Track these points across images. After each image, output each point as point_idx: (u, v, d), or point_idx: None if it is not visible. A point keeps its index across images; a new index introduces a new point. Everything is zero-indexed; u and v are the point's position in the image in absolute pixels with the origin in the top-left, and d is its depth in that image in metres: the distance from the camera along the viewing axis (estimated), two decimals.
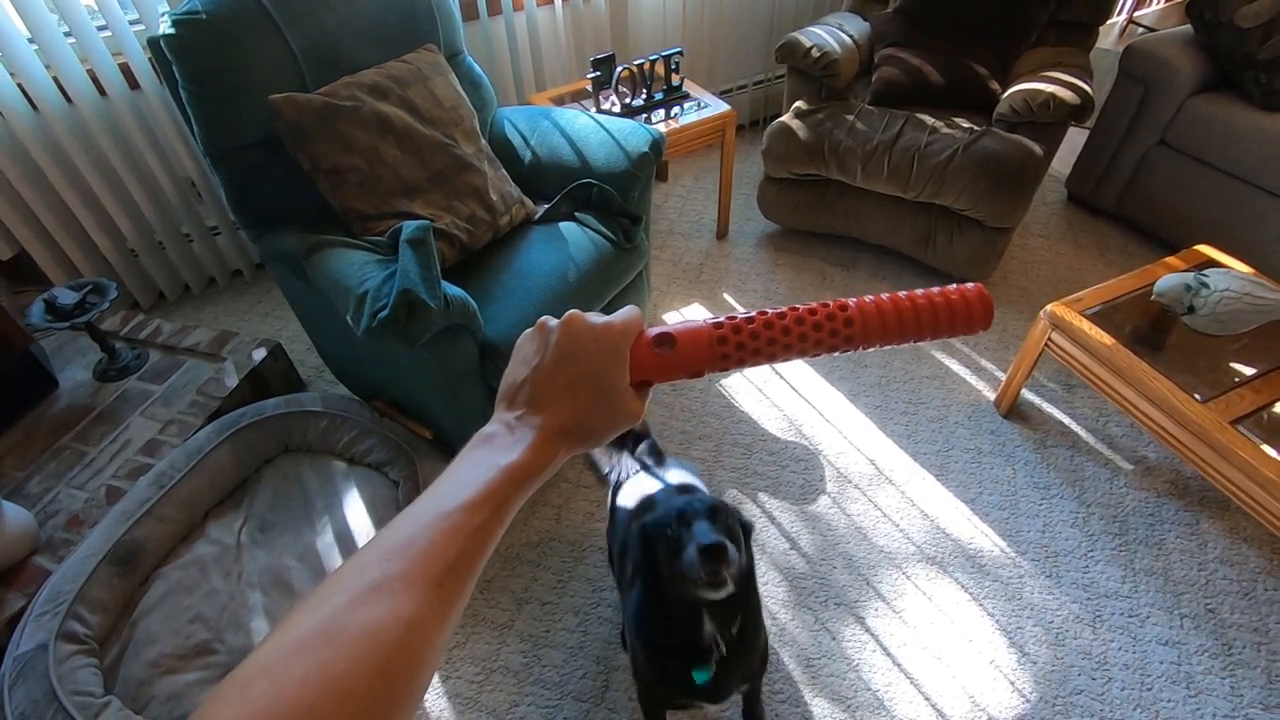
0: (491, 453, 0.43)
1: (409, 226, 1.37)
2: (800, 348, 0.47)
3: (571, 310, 0.48)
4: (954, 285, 0.47)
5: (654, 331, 0.48)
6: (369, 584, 0.34)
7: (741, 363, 0.47)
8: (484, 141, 1.75)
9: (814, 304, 0.47)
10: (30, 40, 1.79)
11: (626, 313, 0.48)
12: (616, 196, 1.74)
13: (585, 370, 0.45)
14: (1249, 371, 1.57)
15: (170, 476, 1.46)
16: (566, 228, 1.75)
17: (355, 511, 1.49)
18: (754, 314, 0.47)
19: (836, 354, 0.48)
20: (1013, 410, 1.93)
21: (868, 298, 0.48)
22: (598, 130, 1.80)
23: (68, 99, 1.89)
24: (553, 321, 0.47)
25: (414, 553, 0.36)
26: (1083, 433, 1.89)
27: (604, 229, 1.75)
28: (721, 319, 0.47)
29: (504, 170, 1.77)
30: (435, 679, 1.44)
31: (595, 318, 0.47)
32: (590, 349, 0.46)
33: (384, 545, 0.37)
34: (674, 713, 1.39)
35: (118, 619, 1.33)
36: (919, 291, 0.48)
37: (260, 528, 1.48)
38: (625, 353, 0.46)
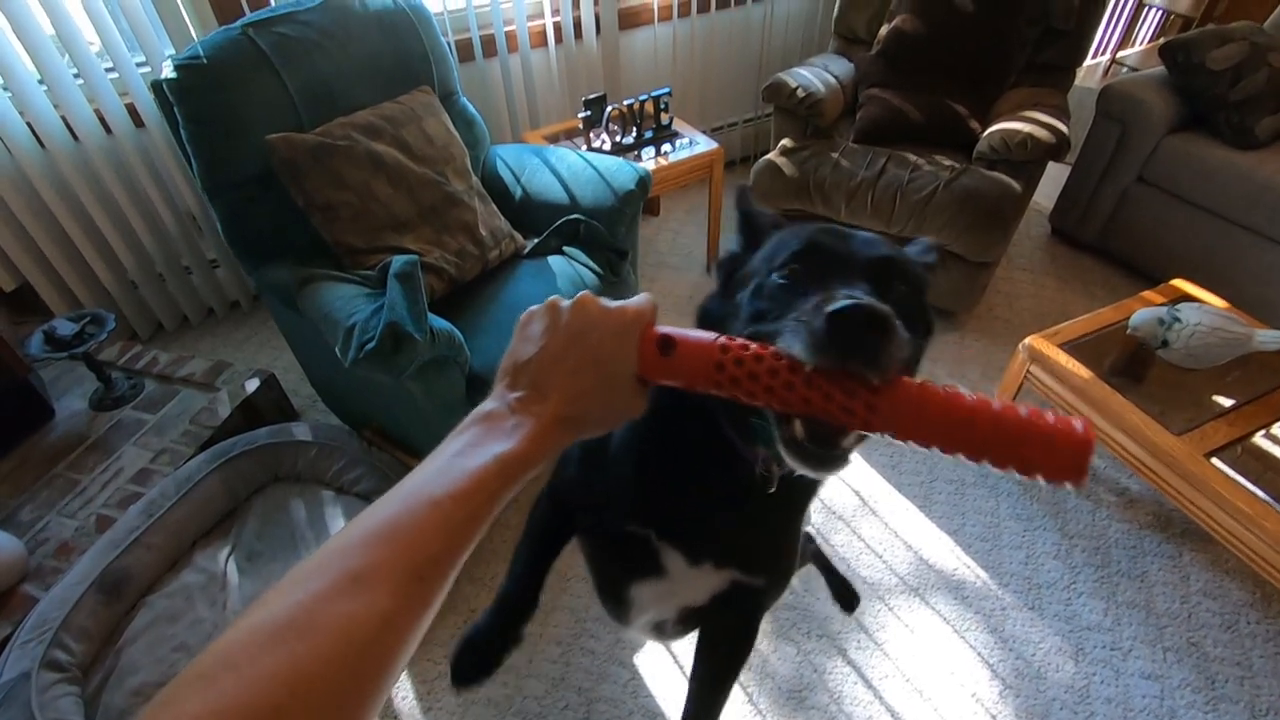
0: (489, 437, 0.41)
1: (398, 261, 1.41)
2: (805, 409, 0.40)
3: (583, 291, 0.46)
4: (1052, 413, 0.38)
5: (663, 330, 0.46)
6: (349, 572, 0.33)
7: (737, 398, 0.43)
8: (475, 178, 1.80)
9: (846, 376, 0.39)
10: (40, 81, 1.86)
11: (639, 300, 0.47)
12: (604, 232, 1.78)
13: (594, 353, 0.44)
14: (1228, 404, 1.59)
15: (160, 505, 1.48)
16: (555, 261, 1.79)
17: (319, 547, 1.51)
18: (767, 350, 0.42)
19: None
20: None
21: (926, 385, 0.40)
22: (586, 168, 1.85)
23: (75, 137, 1.95)
24: (564, 301, 0.46)
25: (399, 539, 0.35)
26: None
27: (591, 263, 1.79)
28: (731, 341, 0.43)
29: (494, 206, 1.82)
30: (416, 708, 1.45)
31: (607, 301, 0.46)
32: (602, 332, 0.45)
33: (370, 525, 0.36)
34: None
35: (102, 647, 1.34)
36: (997, 403, 0.39)
37: (248, 556, 1.50)
38: (634, 339, 0.45)
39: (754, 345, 0.43)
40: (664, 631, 0.83)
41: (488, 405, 0.44)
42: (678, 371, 0.45)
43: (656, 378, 0.46)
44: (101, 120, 1.96)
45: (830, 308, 0.38)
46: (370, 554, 0.34)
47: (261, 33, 1.54)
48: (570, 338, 0.44)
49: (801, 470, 0.44)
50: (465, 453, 0.40)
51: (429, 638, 1.16)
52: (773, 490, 0.57)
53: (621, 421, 0.46)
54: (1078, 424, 0.37)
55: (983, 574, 1.66)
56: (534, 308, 0.47)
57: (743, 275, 0.54)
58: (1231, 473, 1.43)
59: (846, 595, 1.51)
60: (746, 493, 0.58)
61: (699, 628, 0.83)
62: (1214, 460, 1.46)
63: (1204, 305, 1.66)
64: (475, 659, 0.70)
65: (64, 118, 1.91)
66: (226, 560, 1.48)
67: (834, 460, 0.43)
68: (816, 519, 1.78)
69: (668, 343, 0.45)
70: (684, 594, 0.72)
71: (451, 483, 0.38)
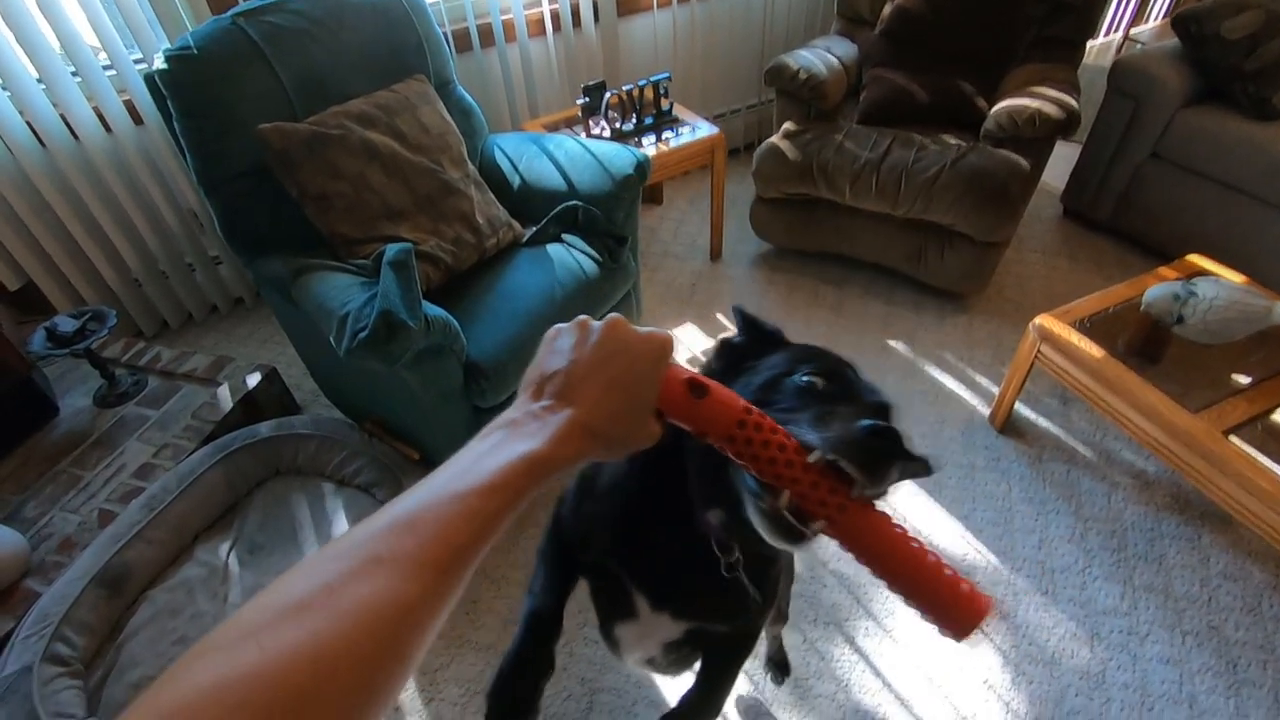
0: (514, 438, 0.42)
1: (391, 249, 1.40)
2: (790, 488, 0.46)
3: (614, 314, 0.48)
4: (968, 583, 0.45)
5: (689, 373, 0.48)
6: (374, 556, 0.33)
7: (739, 455, 0.47)
8: (472, 167, 1.78)
9: (836, 478, 0.45)
10: (39, 80, 1.86)
11: (663, 332, 0.48)
12: (602, 218, 1.76)
13: (624, 374, 0.45)
14: (1247, 381, 1.54)
15: (161, 499, 1.48)
16: (553, 249, 1.77)
17: (342, 533, 1.50)
18: (781, 429, 0.47)
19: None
20: (1007, 425, 1.90)
21: (890, 517, 0.46)
22: (584, 154, 1.83)
23: (75, 136, 1.95)
24: (594, 321, 0.47)
25: (424, 530, 0.35)
26: (1079, 447, 1.86)
27: (590, 250, 1.77)
28: (753, 408, 0.47)
29: (492, 195, 1.80)
30: (419, 700, 1.44)
31: (637, 327, 0.47)
32: (634, 355, 0.46)
33: (396, 514, 0.36)
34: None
35: (104, 641, 1.34)
36: (934, 555, 0.45)
37: (249, 550, 1.49)
38: (662, 369, 0.47)
39: (770, 419, 0.47)
40: (656, 665, 0.85)
41: (512, 414, 0.44)
42: (698, 417, 0.47)
43: (673, 415, 0.47)
44: (101, 118, 1.97)
45: (867, 423, 0.46)
46: (394, 542, 0.34)
47: (252, 22, 1.53)
48: (603, 357, 0.45)
49: (766, 535, 0.49)
50: (491, 453, 0.41)
51: None
52: (732, 563, 0.64)
53: (635, 448, 0.47)
54: (981, 598, 0.44)
55: (994, 559, 1.62)
56: (561, 324, 0.48)
57: (752, 365, 0.63)
58: (1252, 451, 1.39)
59: (779, 663, 1.45)
60: (705, 559, 0.64)
61: (696, 656, 0.84)
62: (1233, 438, 1.42)
63: (1220, 279, 1.61)
64: (514, 693, 0.66)
65: (63, 116, 1.92)
66: (228, 554, 1.48)
67: (800, 535, 0.47)
68: None
69: (700, 387, 0.47)
70: (656, 635, 0.76)
71: (477, 479, 0.38)
